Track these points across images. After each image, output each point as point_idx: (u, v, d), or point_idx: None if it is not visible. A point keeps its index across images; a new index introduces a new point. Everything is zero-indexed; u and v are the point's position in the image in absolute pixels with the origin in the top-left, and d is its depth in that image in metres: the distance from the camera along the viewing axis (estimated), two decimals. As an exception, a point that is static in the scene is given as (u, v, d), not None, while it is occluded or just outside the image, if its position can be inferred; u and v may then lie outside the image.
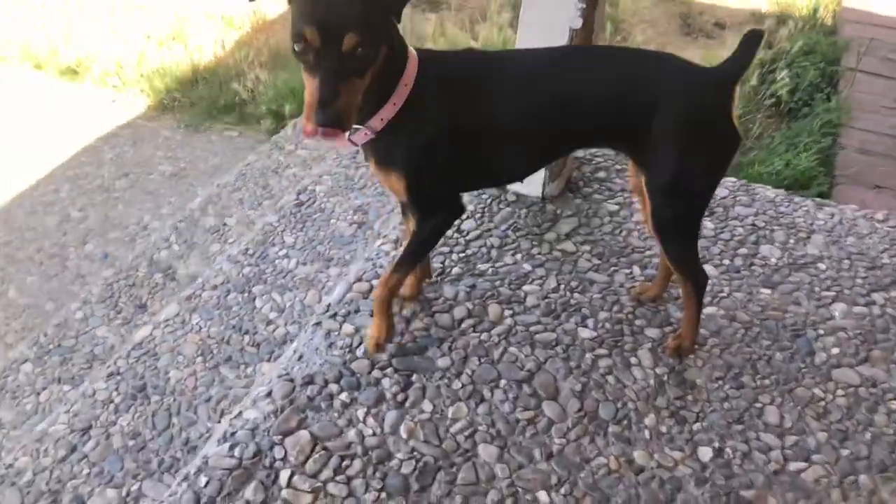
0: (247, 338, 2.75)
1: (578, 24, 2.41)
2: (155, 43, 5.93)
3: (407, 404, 2.07)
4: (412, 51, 1.82)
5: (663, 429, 2.06)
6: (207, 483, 1.87)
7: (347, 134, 1.73)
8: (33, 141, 5.15)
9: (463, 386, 2.13)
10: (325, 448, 1.93)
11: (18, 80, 5.76)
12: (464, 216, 2.62)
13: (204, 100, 5.43)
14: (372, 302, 2.18)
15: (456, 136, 1.87)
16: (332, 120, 1.53)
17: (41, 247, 4.29)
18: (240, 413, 2.02)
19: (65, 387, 3.06)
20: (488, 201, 2.77)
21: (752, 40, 1.89)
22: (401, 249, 2.12)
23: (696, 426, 2.07)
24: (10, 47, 5.89)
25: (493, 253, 2.56)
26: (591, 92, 1.90)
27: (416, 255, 2.08)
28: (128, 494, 2.29)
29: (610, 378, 2.18)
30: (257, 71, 5.44)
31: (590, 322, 2.34)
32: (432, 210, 1.98)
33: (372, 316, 2.16)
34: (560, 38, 2.44)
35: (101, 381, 2.64)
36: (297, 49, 1.55)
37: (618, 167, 3.01)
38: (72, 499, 2.27)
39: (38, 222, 4.47)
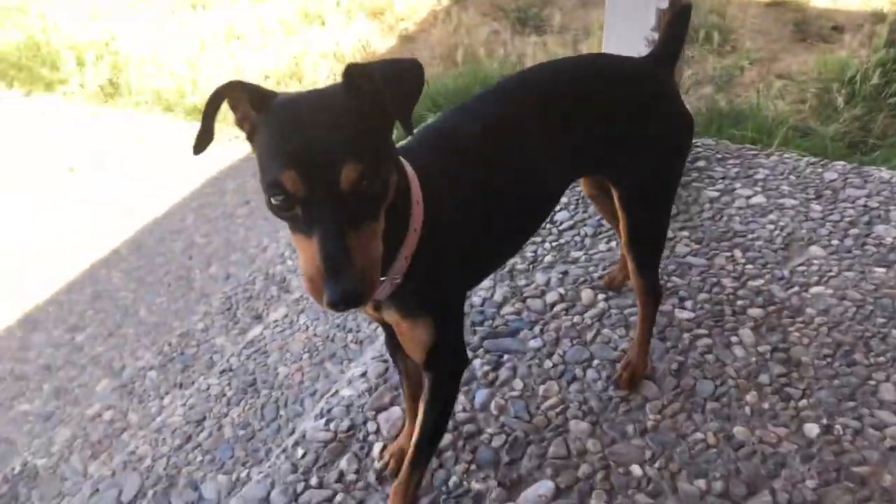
0: (350, 335, 2.82)
1: (665, 3, 2.40)
2: (273, 81, 6.26)
3: (497, 383, 2.08)
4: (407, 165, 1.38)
5: (766, 405, 1.96)
6: (304, 455, 1.94)
7: None
8: (163, 176, 5.52)
9: (554, 366, 2.11)
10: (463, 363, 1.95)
11: (151, 123, 6.21)
12: (557, 207, 2.62)
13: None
14: None
15: (477, 237, 1.54)
16: (354, 292, 1.08)
17: (169, 270, 4.57)
18: (336, 391, 2.09)
19: (186, 391, 3.23)
20: (582, 193, 2.76)
21: (680, 17, 1.82)
22: (415, 430, 1.62)
23: (801, 403, 1.96)
24: (144, 95, 6.38)
25: (587, 241, 2.54)
26: (567, 119, 1.66)
27: (438, 436, 1.64)
28: (237, 480, 2.39)
29: (709, 357, 2.11)
30: (367, 100, 5.64)
31: (688, 304, 2.28)
32: (455, 360, 1.59)
33: None
34: (649, 19, 2.43)
35: (215, 378, 2.78)
36: (274, 203, 1.11)
37: (718, 156, 2.94)
38: (186, 483, 2.38)
39: (166, 248, 4.77)
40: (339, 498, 1.82)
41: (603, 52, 1.86)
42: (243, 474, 2.42)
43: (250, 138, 1.22)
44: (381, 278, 1.27)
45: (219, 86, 1.17)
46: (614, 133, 1.71)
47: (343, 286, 1.06)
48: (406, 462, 1.62)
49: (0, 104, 6.51)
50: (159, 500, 2.31)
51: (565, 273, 2.42)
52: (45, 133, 6.04)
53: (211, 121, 1.20)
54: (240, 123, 1.23)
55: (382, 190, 1.15)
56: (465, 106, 1.64)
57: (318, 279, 1.08)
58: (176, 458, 2.48)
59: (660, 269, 2.23)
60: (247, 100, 1.18)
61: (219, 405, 2.66)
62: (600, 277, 2.40)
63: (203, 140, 1.20)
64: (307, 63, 6.39)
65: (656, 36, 2.48)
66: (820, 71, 4.94)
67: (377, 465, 1.88)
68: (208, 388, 2.74)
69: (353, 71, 1.15)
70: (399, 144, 1.42)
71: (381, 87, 1.12)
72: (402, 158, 1.33)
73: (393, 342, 1.70)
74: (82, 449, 3.01)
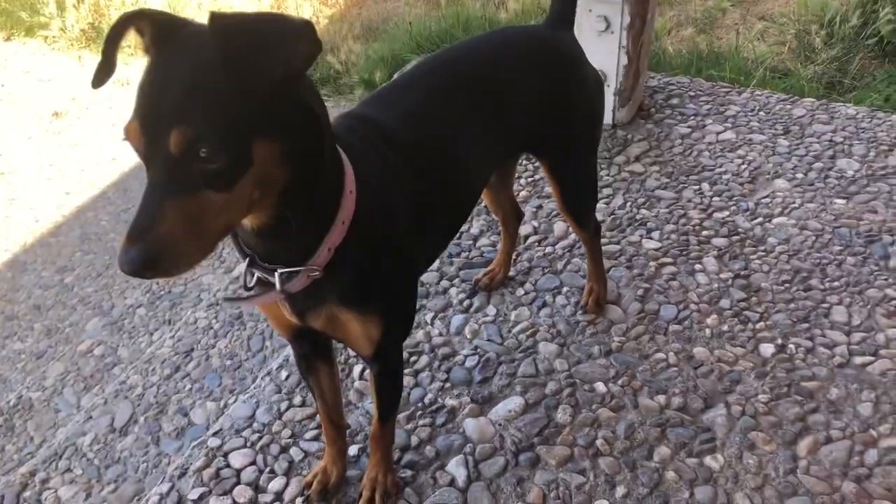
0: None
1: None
2: (255, 25, 6.25)
3: (472, 310, 2.18)
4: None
5: (725, 328, 2.07)
6: (288, 377, 2.04)
7: (277, 281, 1.22)
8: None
9: (526, 293, 2.21)
10: (398, 345, 2.06)
11: (135, 68, 6.19)
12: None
13: (302, 74, 5.68)
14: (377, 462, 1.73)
15: (418, 226, 1.44)
16: (143, 260, 0.95)
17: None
18: (317, 319, 2.18)
19: (174, 326, 3.33)
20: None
21: None
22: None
23: (759, 325, 2.07)
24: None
25: (561, 176, 2.62)
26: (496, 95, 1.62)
27: (396, 406, 1.66)
28: (225, 406, 2.49)
29: (673, 283, 2.21)
30: (350, 44, 5.65)
31: (655, 234, 2.38)
32: (401, 341, 1.56)
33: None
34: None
35: (202, 311, 2.87)
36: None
37: (691, 93, 3.01)
38: (176, 410, 2.48)
39: (153, 191, 4.82)
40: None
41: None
42: (231, 401, 2.52)
43: None
44: (296, 269, 1.21)
45: (124, 13, 1.06)
46: (538, 105, 1.69)
47: (132, 254, 0.94)
48: (372, 435, 1.66)
49: (-20, 49, 6.47)
50: (151, 425, 2.41)
51: (539, 207, 2.50)
52: (28, 78, 6.01)
53: (111, 51, 1.07)
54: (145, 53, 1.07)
55: (236, 157, 0.99)
56: (383, 94, 1.56)
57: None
58: (166, 386, 2.58)
59: (626, 203, 2.32)
60: (150, 32, 1.04)
61: (206, 337, 2.76)
62: (478, 280, 2.29)
63: (102, 72, 1.08)
64: (289, 6, 6.36)
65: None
66: (801, 13, 4.97)
67: (357, 384, 1.98)
68: (196, 322, 2.83)
69: (214, 23, 0.95)
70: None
71: (228, 46, 0.94)
72: (337, 146, 1.22)
73: (306, 360, 1.60)
74: (75, 382, 3.11)
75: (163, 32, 1.03)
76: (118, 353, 3.24)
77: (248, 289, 1.26)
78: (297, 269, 1.21)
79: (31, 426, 2.91)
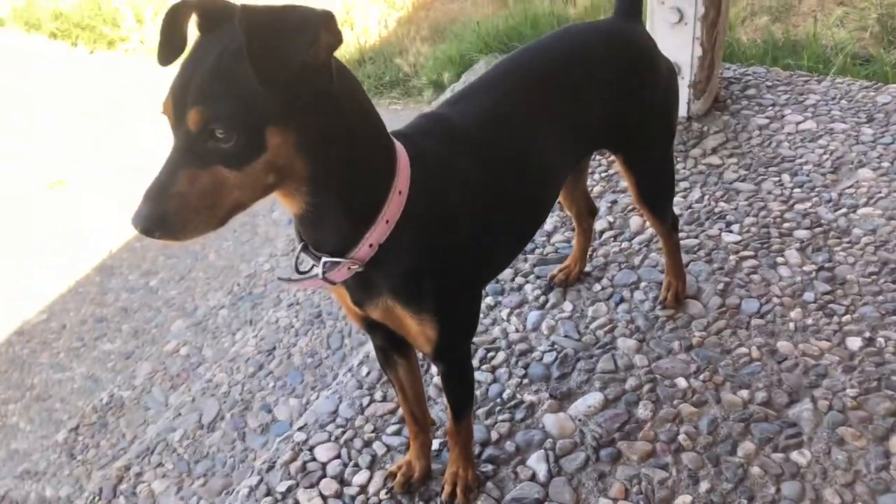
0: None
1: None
2: (325, 30, 6.37)
3: (548, 306, 2.18)
4: (398, 144, 1.30)
5: (809, 321, 2.03)
6: (369, 373, 2.09)
7: (319, 270, 1.27)
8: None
9: (603, 289, 2.21)
10: (472, 343, 2.08)
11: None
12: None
13: (371, 77, 5.76)
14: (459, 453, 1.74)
15: (484, 230, 1.44)
16: (150, 219, 1.04)
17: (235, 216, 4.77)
18: (395, 316, 2.22)
19: (256, 326, 3.42)
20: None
21: None
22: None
23: (845, 318, 2.02)
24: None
25: (636, 171, 2.60)
26: (570, 95, 1.62)
27: (469, 402, 1.67)
28: (307, 403, 2.56)
29: (754, 277, 2.17)
30: (418, 45, 5.70)
31: (734, 227, 2.34)
32: (465, 350, 1.57)
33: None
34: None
35: (283, 311, 2.94)
36: None
37: (768, 83, 2.95)
38: (261, 406, 2.55)
39: (231, 195, 4.96)
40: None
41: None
42: (312, 397, 2.58)
43: None
44: (338, 259, 1.25)
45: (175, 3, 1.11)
46: (612, 100, 1.68)
47: (143, 212, 1.04)
48: (448, 431, 1.69)
49: (67, 62, 6.75)
50: (237, 421, 2.49)
51: (614, 202, 2.49)
52: (111, 88, 6.26)
53: (169, 33, 1.14)
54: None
55: (248, 146, 1.05)
56: (460, 96, 1.57)
57: None
58: (250, 384, 2.66)
59: (704, 196, 2.29)
60: (198, 18, 1.11)
61: (287, 336, 2.83)
62: (553, 276, 2.29)
63: (164, 52, 1.15)
64: (358, 10, 6.46)
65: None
66: (883, -4, 4.80)
67: (436, 380, 2.01)
68: (277, 321, 2.90)
69: (241, 14, 0.99)
70: (393, 131, 1.34)
71: (250, 37, 0.98)
72: (399, 145, 1.28)
73: (384, 352, 1.63)
74: (162, 381, 3.23)
75: (208, 18, 1.10)
76: (203, 352, 3.35)
77: (298, 272, 1.32)
78: (339, 259, 1.25)
79: (122, 423, 3.03)
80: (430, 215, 1.31)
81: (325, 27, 1.03)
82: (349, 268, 1.26)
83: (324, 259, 1.26)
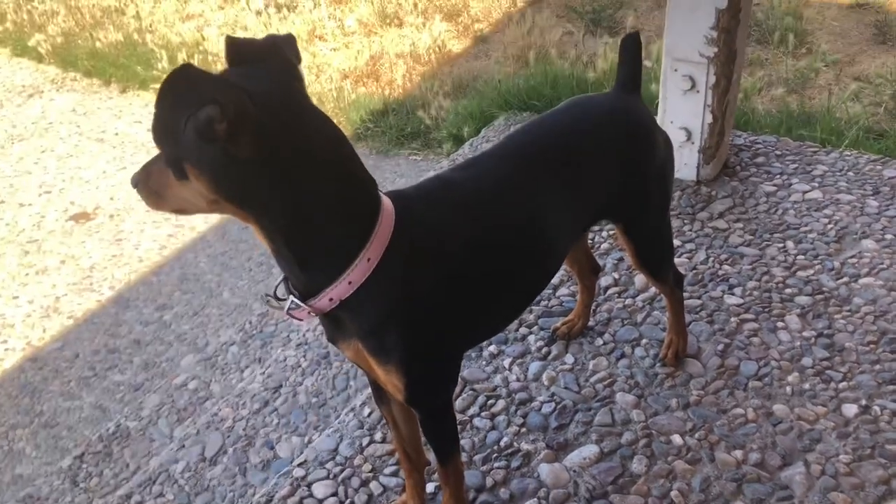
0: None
1: (724, 3, 2.50)
2: (351, 81, 6.53)
3: (550, 357, 2.22)
4: (385, 199, 1.35)
5: (806, 386, 2.06)
6: (370, 413, 2.13)
7: (287, 305, 1.35)
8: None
9: (605, 343, 2.25)
10: (472, 389, 2.13)
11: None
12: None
13: (393, 128, 5.89)
14: None
15: (471, 296, 1.48)
16: (133, 180, 1.36)
17: (251, 256, 4.85)
18: (400, 360, 2.26)
19: (265, 363, 3.47)
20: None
21: (630, 44, 1.84)
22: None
23: (841, 385, 2.05)
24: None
25: (643, 230, 2.66)
26: (569, 172, 1.66)
27: (453, 440, 1.66)
28: (309, 441, 2.59)
29: (754, 339, 2.21)
30: (440, 99, 5.84)
31: (737, 290, 2.38)
32: (438, 398, 1.56)
33: None
34: (708, 18, 2.54)
35: (292, 350, 3.00)
36: None
37: (777, 152, 3.01)
38: (263, 443, 2.59)
39: (249, 235, 5.04)
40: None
41: (614, 85, 1.86)
42: (315, 436, 2.62)
43: None
44: (299, 304, 1.33)
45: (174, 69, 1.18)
46: (613, 171, 1.73)
47: (135, 174, 1.35)
48: (438, 474, 1.70)
49: (99, 100, 6.94)
50: (239, 456, 2.52)
51: (620, 259, 2.54)
52: (140, 127, 6.42)
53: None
54: None
55: (175, 169, 1.21)
56: (470, 161, 1.63)
57: None
58: (254, 420, 2.70)
59: (709, 258, 2.34)
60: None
61: (294, 374, 2.87)
62: (557, 328, 2.33)
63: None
64: (384, 63, 6.63)
65: (715, 35, 2.58)
66: (898, 73, 4.89)
67: None
68: (285, 360, 2.96)
69: (167, 77, 1.15)
70: (397, 190, 1.43)
71: (157, 96, 1.18)
72: (388, 211, 1.33)
73: (377, 389, 1.65)
74: (169, 414, 3.27)
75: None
76: (210, 387, 3.39)
77: (276, 298, 1.41)
78: (299, 304, 1.33)
79: (127, 453, 3.07)
80: (403, 279, 1.34)
81: (218, 114, 1.11)
82: (327, 300, 1.31)
83: (290, 298, 1.34)
